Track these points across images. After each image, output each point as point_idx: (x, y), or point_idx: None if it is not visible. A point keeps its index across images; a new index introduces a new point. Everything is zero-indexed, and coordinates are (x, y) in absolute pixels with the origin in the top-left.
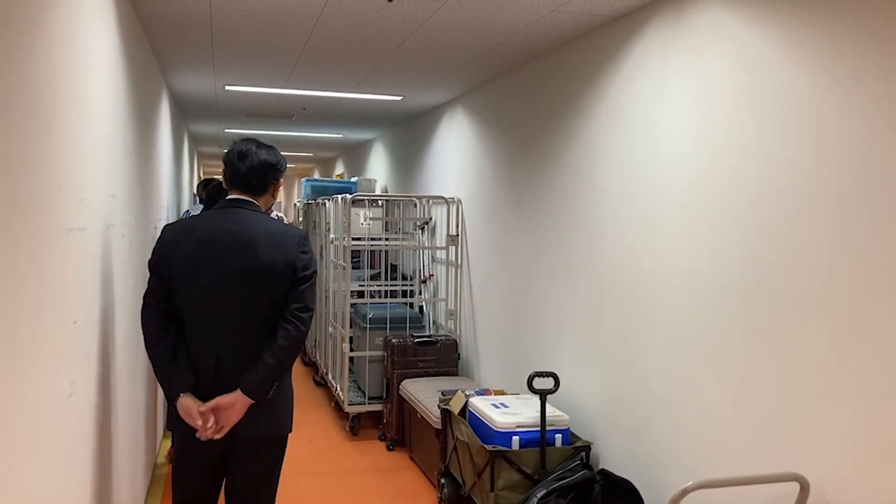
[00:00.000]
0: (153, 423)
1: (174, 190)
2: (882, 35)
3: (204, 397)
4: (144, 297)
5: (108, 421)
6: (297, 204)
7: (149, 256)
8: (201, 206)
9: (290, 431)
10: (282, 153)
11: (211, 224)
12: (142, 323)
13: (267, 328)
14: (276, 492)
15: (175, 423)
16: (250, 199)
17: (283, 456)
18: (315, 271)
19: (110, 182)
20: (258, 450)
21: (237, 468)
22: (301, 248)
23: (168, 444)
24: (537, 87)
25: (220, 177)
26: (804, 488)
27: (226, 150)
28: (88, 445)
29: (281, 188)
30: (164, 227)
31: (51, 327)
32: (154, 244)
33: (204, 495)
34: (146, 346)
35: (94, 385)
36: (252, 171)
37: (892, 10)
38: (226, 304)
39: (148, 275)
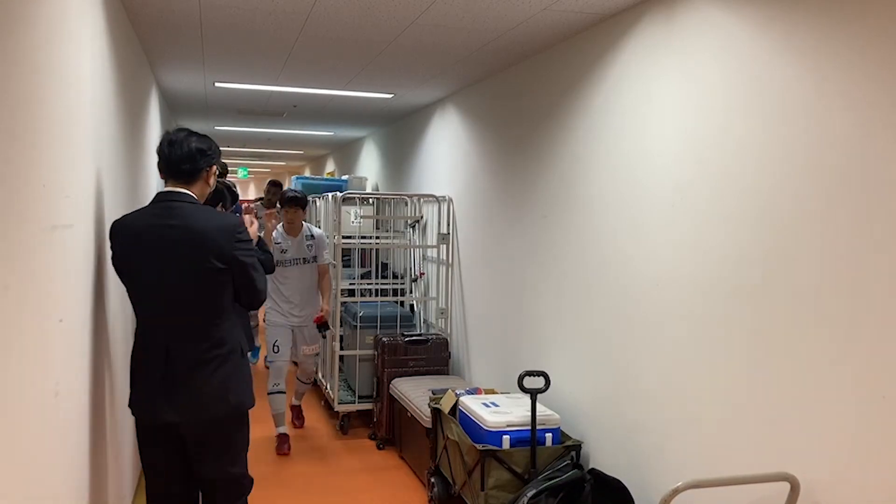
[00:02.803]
0: None
1: (164, 187)
2: (874, 33)
3: (156, 388)
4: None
5: (95, 420)
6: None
7: None
8: None
9: (250, 407)
10: (270, 150)
11: (149, 220)
12: None
13: (213, 314)
14: (245, 468)
15: (133, 409)
16: (184, 191)
17: (247, 432)
18: (253, 255)
19: (98, 179)
20: (216, 430)
21: (198, 451)
22: (235, 237)
23: None
24: (528, 86)
25: None
26: (794, 488)
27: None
28: (74, 445)
29: (214, 176)
30: (112, 224)
31: (36, 326)
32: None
33: (174, 485)
34: None
35: (80, 384)
36: (182, 158)
37: (884, 7)
38: (171, 298)
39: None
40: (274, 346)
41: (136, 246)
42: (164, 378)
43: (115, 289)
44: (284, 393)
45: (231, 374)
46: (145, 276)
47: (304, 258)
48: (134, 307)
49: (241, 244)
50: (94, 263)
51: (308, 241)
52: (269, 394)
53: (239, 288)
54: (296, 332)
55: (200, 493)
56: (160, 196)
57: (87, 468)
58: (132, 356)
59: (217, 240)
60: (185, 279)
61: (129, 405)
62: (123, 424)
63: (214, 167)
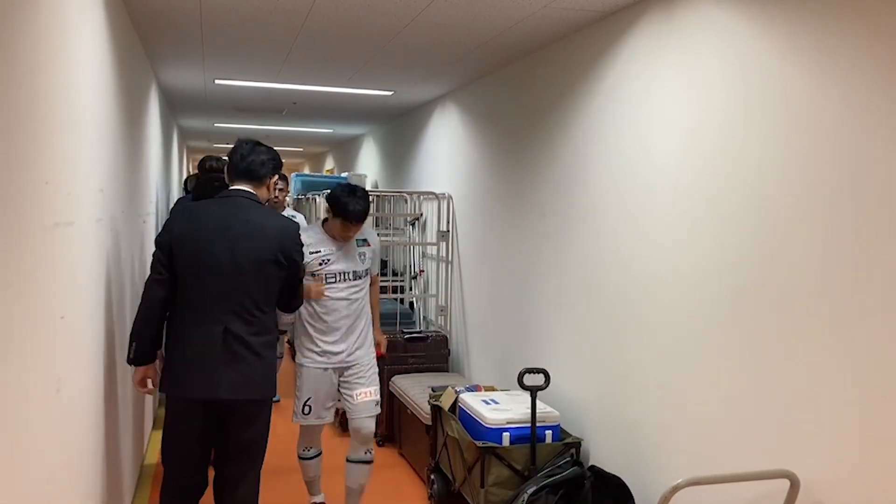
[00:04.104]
0: (141, 420)
1: (163, 184)
2: (876, 31)
3: (213, 365)
4: (151, 272)
5: (97, 417)
6: (288, 199)
7: (139, 249)
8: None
9: (274, 394)
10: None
11: (220, 209)
12: (145, 292)
13: (266, 304)
14: (263, 459)
15: (166, 388)
16: (252, 190)
17: (270, 421)
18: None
19: (99, 176)
20: (255, 409)
21: (235, 426)
22: (297, 240)
23: (159, 436)
24: (529, 84)
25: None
26: (794, 485)
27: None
28: (76, 442)
29: (278, 187)
30: (175, 206)
31: (37, 323)
32: (159, 230)
33: (195, 460)
34: (142, 309)
35: (82, 381)
36: (252, 162)
37: (885, 7)
38: (236, 282)
39: (154, 251)
40: (305, 405)
41: (204, 229)
42: (224, 356)
43: (115, 285)
44: (321, 454)
45: (272, 361)
46: (212, 259)
47: (353, 272)
48: (187, 288)
49: (300, 246)
50: (95, 260)
51: (361, 248)
52: (300, 458)
53: (286, 287)
54: (342, 374)
55: (215, 475)
56: (229, 192)
57: (88, 466)
58: (179, 337)
59: (283, 238)
60: (252, 267)
61: (170, 386)
62: (125, 421)
63: (275, 177)
